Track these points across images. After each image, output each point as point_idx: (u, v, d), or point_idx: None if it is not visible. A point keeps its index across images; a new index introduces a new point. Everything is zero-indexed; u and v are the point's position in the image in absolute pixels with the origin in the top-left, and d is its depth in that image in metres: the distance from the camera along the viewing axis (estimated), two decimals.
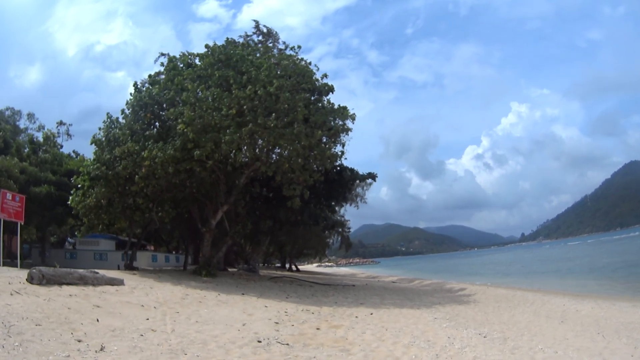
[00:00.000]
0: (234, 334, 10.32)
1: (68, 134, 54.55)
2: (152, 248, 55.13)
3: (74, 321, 9.48)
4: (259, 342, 9.64)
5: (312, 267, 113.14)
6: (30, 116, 58.05)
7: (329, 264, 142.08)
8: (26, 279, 13.35)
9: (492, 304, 20.55)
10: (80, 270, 15.27)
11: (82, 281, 14.52)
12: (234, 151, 23.37)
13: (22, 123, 56.89)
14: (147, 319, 10.85)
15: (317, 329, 11.93)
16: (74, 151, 45.83)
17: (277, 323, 12.31)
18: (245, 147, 23.67)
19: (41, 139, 43.49)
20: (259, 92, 22.65)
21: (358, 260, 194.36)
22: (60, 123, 54.55)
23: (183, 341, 9.03)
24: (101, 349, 7.62)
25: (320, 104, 25.95)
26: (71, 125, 55.58)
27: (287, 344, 9.60)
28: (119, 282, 16.09)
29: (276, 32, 35.62)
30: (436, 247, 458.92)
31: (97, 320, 9.89)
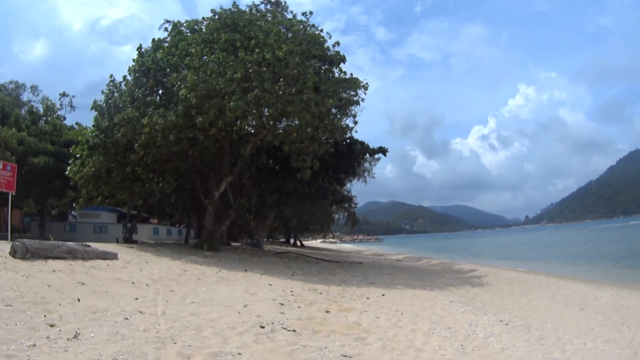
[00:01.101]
0: (233, 317, 9.13)
1: (71, 106, 53.53)
2: (156, 221, 54.56)
3: (51, 301, 8.30)
4: (262, 327, 8.46)
5: (316, 242, 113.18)
6: (34, 89, 57.10)
7: (333, 240, 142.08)
8: (9, 253, 12.19)
9: (505, 287, 19.70)
10: (70, 244, 14.11)
11: (71, 255, 13.35)
12: (239, 119, 22.06)
13: (26, 96, 55.96)
14: (137, 299, 9.64)
15: (327, 311, 10.78)
16: (77, 123, 44.70)
17: (282, 304, 11.14)
18: (251, 116, 22.43)
19: (41, 110, 42.33)
20: (267, 56, 21.41)
21: (362, 237, 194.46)
22: (63, 95, 53.54)
23: (174, 326, 7.81)
24: (75, 337, 6.39)
25: (331, 74, 24.69)
26: (74, 97, 54.37)
27: (294, 331, 8.42)
28: (112, 256, 14.91)
29: (285, 2, 34.07)
30: (440, 226, 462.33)
31: (78, 300, 8.70)
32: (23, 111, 44.06)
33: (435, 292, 16.05)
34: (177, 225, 54.01)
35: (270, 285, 14.56)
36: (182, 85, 21.40)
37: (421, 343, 8.33)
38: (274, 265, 21.82)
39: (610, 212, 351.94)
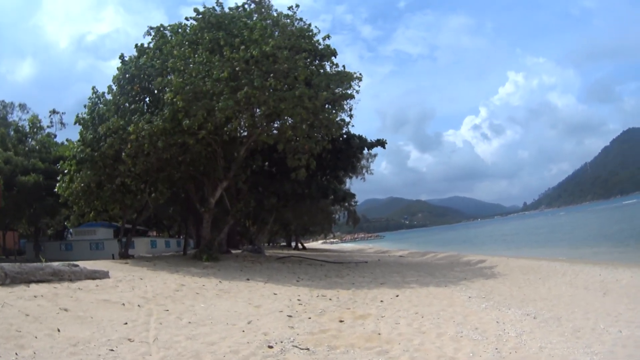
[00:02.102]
0: (236, 337, 8.03)
1: (62, 123, 51.94)
2: (155, 234, 53.61)
3: (27, 334, 7.21)
4: (270, 347, 7.41)
5: (317, 244, 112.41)
6: (22, 107, 55.60)
7: (334, 240, 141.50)
8: None
9: (520, 276, 18.93)
10: (55, 264, 13.04)
11: (56, 277, 12.27)
12: (230, 120, 21.05)
13: (15, 115, 54.43)
14: (126, 324, 8.51)
15: (341, 321, 9.73)
16: (67, 139, 43.53)
17: (290, 317, 10.08)
18: (242, 116, 21.36)
19: (27, 128, 41.12)
20: (253, 52, 20.36)
21: (363, 235, 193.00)
22: (53, 112, 51.98)
23: (167, 356, 6.72)
24: None
25: (322, 70, 23.71)
26: (64, 113, 52.90)
27: (307, 349, 7.38)
28: (102, 275, 13.79)
29: (269, 1, 32.90)
30: (439, 219, 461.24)
31: (58, 331, 7.59)
32: (10, 131, 42.78)
33: (451, 288, 15.23)
34: (177, 237, 52.88)
35: (275, 294, 13.52)
36: (167, 90, 20.46)
37: (452, 350, 7.44)
38: (277, 271, 20.78)
39: (607, 192, 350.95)
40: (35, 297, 10.02)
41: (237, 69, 20.27)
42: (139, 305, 10.33)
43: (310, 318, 10.01)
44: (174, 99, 19.88)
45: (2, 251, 41.61)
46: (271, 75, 20.40)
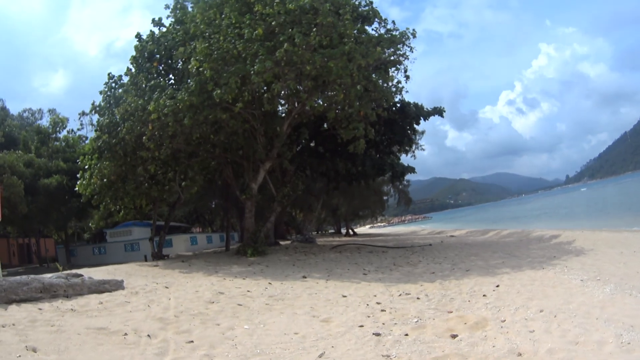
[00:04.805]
0: None
1: (92, 125, 49.57)
2: (200, 230, 51.66)
3: None
4: None
5: (365, 229, 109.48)
6: (52, 112, 53.59)
7: (382, 224, 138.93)
8: None
9: (609, 250, 16.42)
10: (48, 277, 9.72)
11: (47, 294, 8.99)
12: (269, 86, 17.62)
13: (45, 121, 52.62)
14: None
15: (453, 335, 6.58)
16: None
17: (378, 335, 6.73)
18: (283, 78, 17.65)
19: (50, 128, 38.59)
20: (289, 6, 17.03)
21: (410, 217, 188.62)
22: (83, 114, 49.66)
23: None
24: None
25: (364, 35, 20.22)
26: (94, 114, 50.62)
27: None
28: (113, 286, 10.39)
29: None
30: (484, 197, 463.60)
31: None
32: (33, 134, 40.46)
33: (551, 271, 12.45)
34: (220, 231, 50.43)
35: (344, 297, 10.10)
36: (192, 59, 17.41)
37: None
38: (336, 264, 17.61)
39: None
40: (3, 326, 6.74)
41: (272, 23, 17.07)
42: (148, 336, 6.66)
43: (407, 335, 6.72)
44: (200, 68, 16.89)
45: (37, 260, 39.88)
46: (314, 30, 16.96)
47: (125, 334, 6.66)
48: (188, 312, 8.30)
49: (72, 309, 8.22)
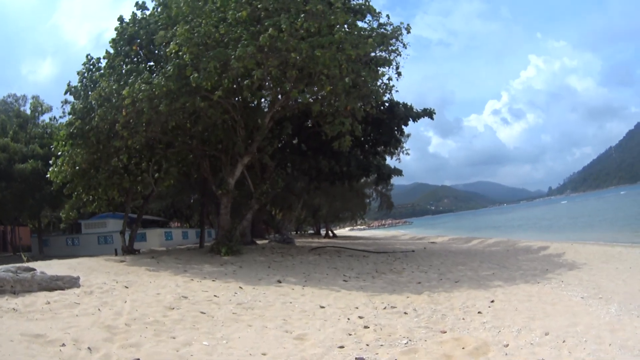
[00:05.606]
0: None
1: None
2: (178, 225, 50.97)
3: None
4: None
5: (345, 231, 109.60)
6: (35, 98, 52.58)
7: (362, 227, 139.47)
8: None
9: (604, 266, 15.82)
10: None
11: None
12: (251, 72, 16.32)
13: (28, 108, 51.85)
14: None
15: None
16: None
17: None
18: (265, 65, 16.52)
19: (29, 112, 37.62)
20: None
21: (390, 221, 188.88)
22: (65, 102, 48.48)
23: None
24: None
25: (355, 27, 19.13)
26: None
27: None
28: (67, 283, 9.28)
29: None
30: (465, 205, 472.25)
31: None
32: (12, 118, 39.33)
33: (547, 285, 11.88)
34: (197, 227, 49.75)
35: (322, 308, 9.08)
36: (172, 42, 16.39)
37: None
38: (314, 267, 16.67)
39: (634, 177, 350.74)
40: None
41: (259, 6, 16.10)
42: (89, 348, 5.48)
43: None
44: (180, 52, 15.95)
45: (11, 248, 38.95)
46: (302, 16, 15.94)
47: (63, 345, 5.53)
48: (142, 319, 7.15)
49: (14, 309, 7.12)
